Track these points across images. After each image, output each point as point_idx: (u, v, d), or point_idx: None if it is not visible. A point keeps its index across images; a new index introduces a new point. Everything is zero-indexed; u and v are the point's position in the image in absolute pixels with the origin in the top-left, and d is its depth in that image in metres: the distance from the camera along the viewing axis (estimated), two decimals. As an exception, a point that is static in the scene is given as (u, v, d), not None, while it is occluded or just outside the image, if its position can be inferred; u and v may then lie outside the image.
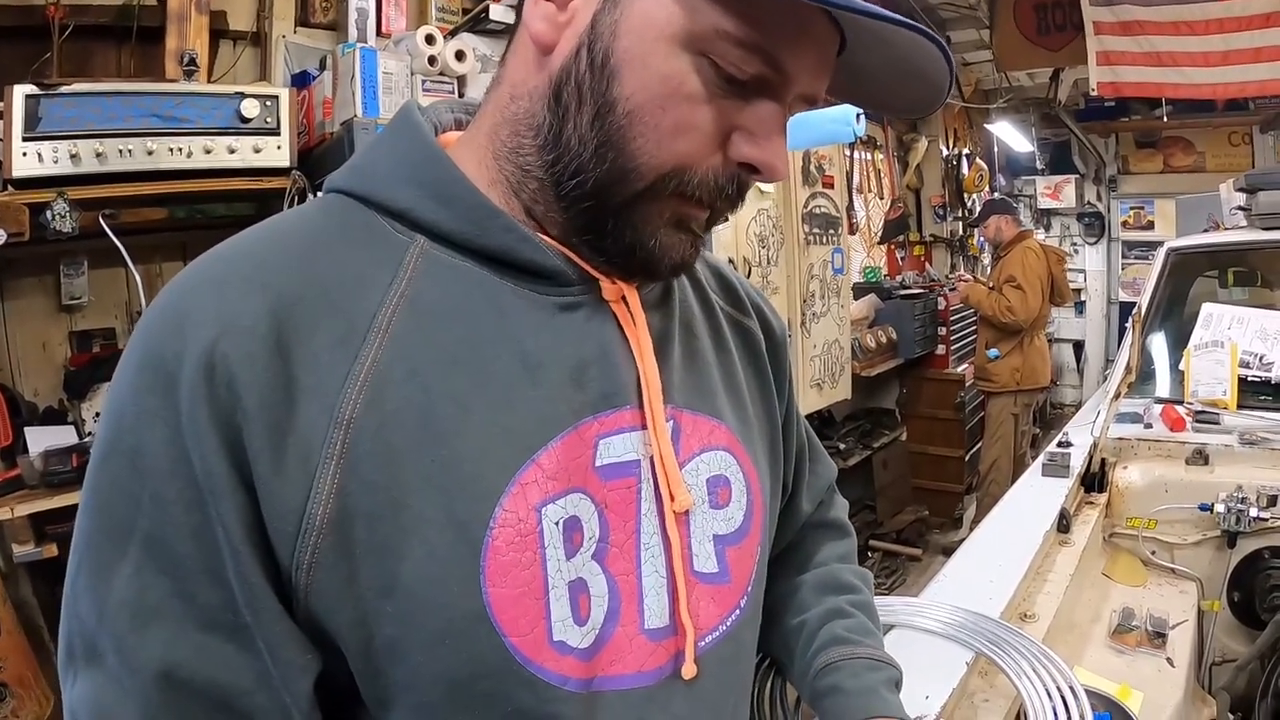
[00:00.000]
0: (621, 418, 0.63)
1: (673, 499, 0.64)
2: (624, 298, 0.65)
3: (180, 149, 1.79)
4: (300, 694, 0.55)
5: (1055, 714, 1.05)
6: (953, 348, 5.33)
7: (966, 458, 5.32)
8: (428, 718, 0.57)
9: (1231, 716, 1.52)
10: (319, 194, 0.66)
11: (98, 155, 1.70)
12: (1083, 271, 8.39)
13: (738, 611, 0.70)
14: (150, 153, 1.76)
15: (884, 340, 4.80)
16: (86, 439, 1.97)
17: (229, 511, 0.51)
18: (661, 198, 0.59)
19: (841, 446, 4.55)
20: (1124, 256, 8.29)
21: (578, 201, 0.59)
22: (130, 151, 1.74)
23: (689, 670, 0.65)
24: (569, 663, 0.59)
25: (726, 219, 0.66)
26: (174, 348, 0.52)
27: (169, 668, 0.52)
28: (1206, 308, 2.71)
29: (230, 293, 0.54)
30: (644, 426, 0.64)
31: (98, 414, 2.01)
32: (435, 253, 0.60)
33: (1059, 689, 1.09)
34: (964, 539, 1.75)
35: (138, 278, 1.96)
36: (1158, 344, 2.91)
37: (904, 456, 5.22)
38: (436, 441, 0.55)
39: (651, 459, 0.64)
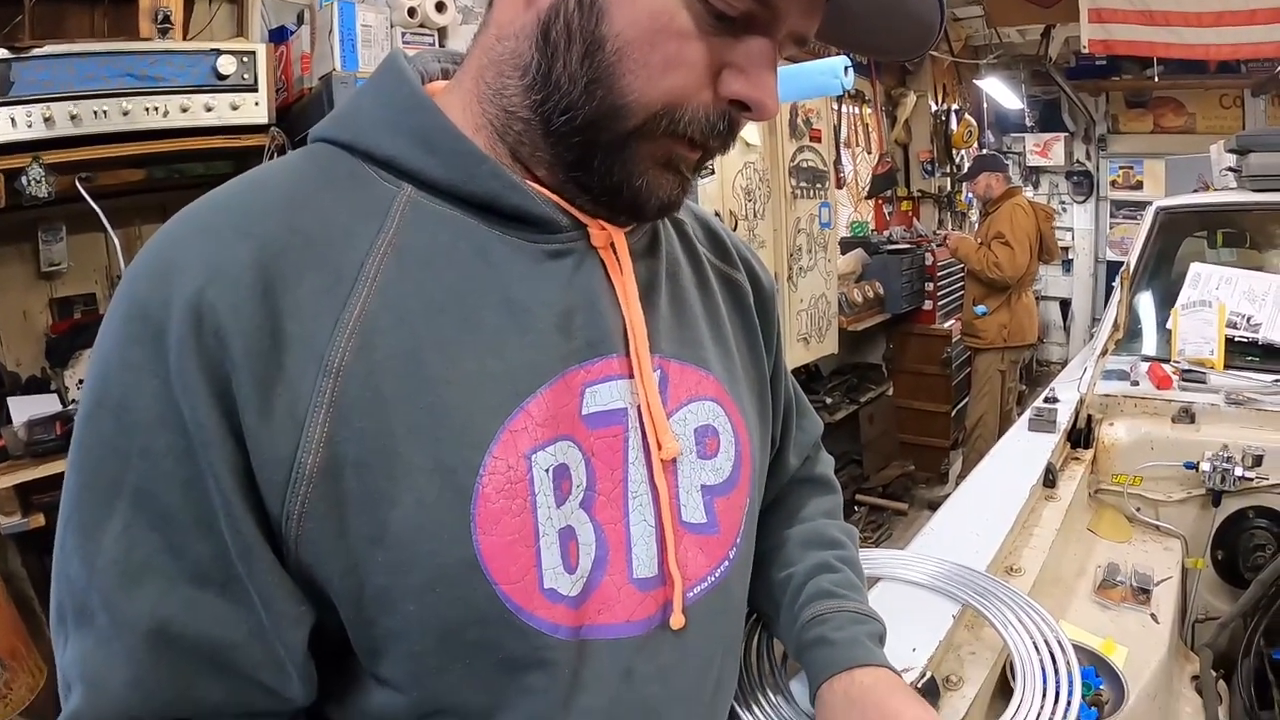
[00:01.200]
0: (609, 365, 0.63)
1: (660, 447, 0.64)
2: (612, 245, 0.65)
3: (156, 108, 1.76)
4: (294, 645, 0.56)
5: (1043, 666, 1.06)
6: (940, 303, 5.32)
7: (953, 413, 5.34)
8: (419, 667, 0.57)
9: (1214, 673, 1.54)
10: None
11: (72, 118, 1.67)
12: (1071, 230, 8.38)
13: (726, 563, 0.71)
14: (125, 113, 1.73)
15: (871, 295, 4.79)
16: (70, 407, 1.95)
17: (219, 461, 0.51)
18: (653, 138, 0.58)
19: (828, 401, 4.53)
20: (1112, 216, 8.26)
21: (567, 137, 0.59)
22: (105, 113, 1.71)
23: (677, 620, 0.65)
24: (560, 611, 0.59)
25: (712, 171, 0.65)
26: (160, 297, 0.51)
27: (160, 624, 0.52)
28: (1195, 267, 2.70)
29: (216, 242, 0.53)
30: (631, 375, 0.64)
31: (81, 381, 1.99)
32: (422, 201, 0.60)
33: (1046, 642, 1.10)
34: (950, 494, 1.76)
35: (117, 242, 1.93)
36: (1145, 303, 2.91)
37: (890, 411, 5.24)
38: (425, 389, 0.55)
39: (639, 407, 0.64)
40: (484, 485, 0.55)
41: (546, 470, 0.58)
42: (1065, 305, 8.59)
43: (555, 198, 0.62)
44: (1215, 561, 1.96)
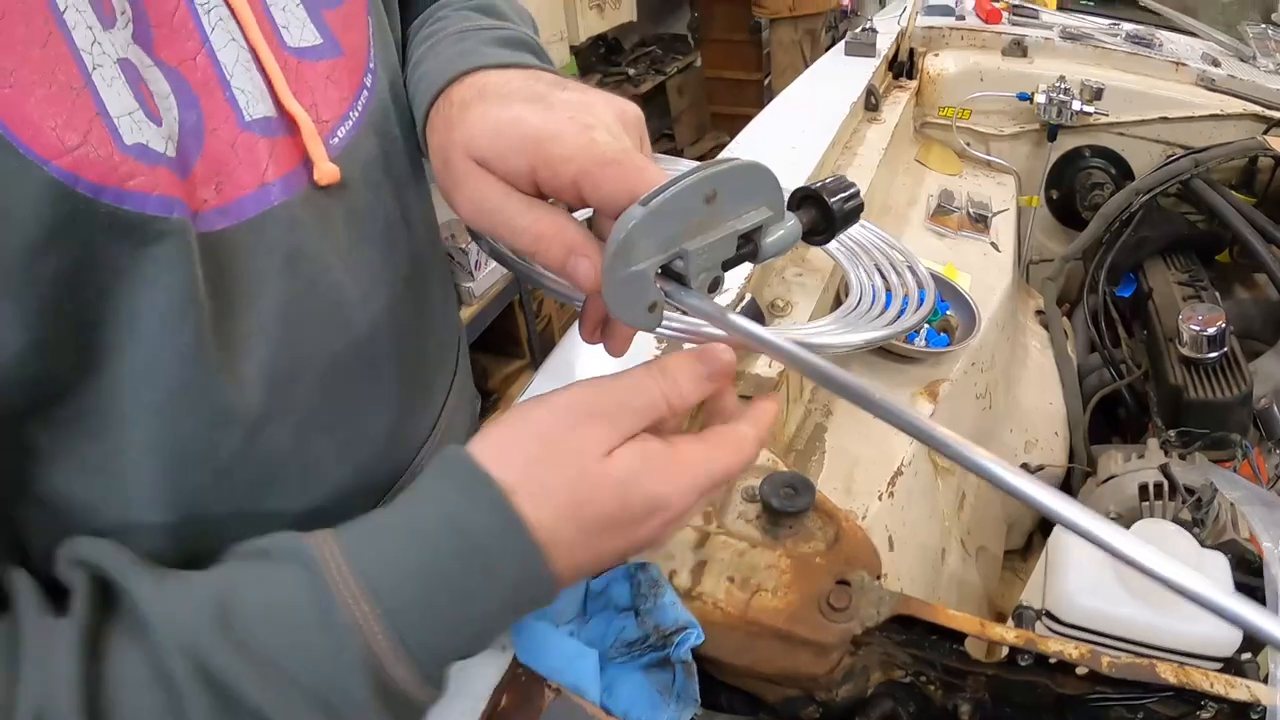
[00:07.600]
0: None
1: None
2: None
3: None
4: None
5: (885, 277, 0.79)
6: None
7: (765, 82, 4.98)
8: None
9: (1058, 309, 1.40)
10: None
11: None
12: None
13: (366, 92, 0.51)
14: None
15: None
16: None
17: None
18: None
19: (631, 73, 4.30)
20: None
21: None
22: None
23: (325, 172, 0.46)
24: (163, 176, 0.38)
25: None
26: None
27: None
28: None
29: None
30: None
31: None
32: None
33: (888, 260, 0.83)
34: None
35: None
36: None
37: (699, 83, 4.93)
38: None
39: None
40: None
41: None
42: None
43: None
44: (1050, 201, 1.81)
